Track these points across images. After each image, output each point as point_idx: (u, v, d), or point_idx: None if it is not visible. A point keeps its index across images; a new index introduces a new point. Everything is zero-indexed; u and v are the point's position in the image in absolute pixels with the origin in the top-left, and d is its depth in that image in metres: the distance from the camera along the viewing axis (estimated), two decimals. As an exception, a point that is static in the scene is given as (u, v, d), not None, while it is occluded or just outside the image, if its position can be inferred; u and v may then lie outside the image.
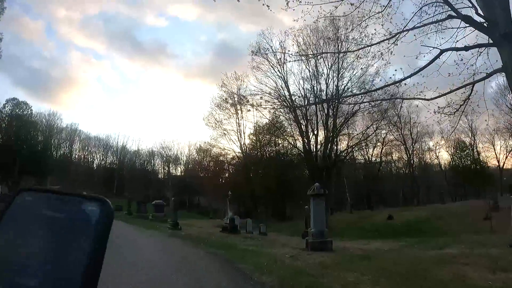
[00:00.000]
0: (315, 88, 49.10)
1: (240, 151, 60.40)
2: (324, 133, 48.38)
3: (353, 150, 51.97)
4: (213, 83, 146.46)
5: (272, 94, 50.48)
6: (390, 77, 14.74)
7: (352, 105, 46.70)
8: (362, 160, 70.69)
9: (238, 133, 59.77)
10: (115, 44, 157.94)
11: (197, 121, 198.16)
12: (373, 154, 67.36)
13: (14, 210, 1.16)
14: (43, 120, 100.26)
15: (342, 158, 51.32)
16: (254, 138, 62.22)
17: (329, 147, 47.89)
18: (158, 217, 32.07)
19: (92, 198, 1.17)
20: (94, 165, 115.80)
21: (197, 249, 14.34)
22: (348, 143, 50.80)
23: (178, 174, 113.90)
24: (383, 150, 65.13)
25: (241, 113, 58.41)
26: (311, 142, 50.05)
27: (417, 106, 39.17)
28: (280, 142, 61.46)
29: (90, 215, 1.13)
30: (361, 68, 46.61)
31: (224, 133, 59.19)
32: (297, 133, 50.90)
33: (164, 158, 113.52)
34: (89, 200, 1.17)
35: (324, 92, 48.71)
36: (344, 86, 47.97)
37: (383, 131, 52.96)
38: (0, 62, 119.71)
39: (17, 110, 79.30)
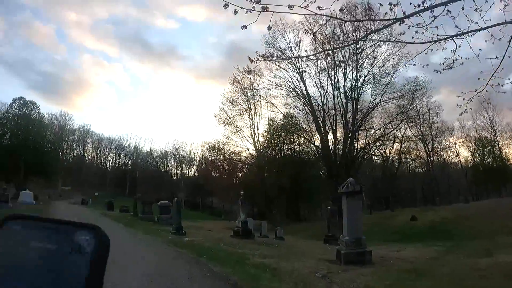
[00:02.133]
0: (332, 79, 44.99)
1: (254, 149, 56.06)
2: (343, 128, 44.17)
3: (374, 146, 47.41)
4: (225, 84, 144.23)
5: (287, 87, 46.76)
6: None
7: (373, 98, 43.29)
8: (378, 159, 66.23)
9: (252, 130, 55.62)
10: (125, 47, 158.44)
11: (210, 122, 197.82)
12: (391, 152, 62.62)
13: (0, 241, 1.04)
14: (54, 122, 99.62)
15: (362, 154, 46.87)
16: (268, 135, 57.96)
17: (348, 143, 43.66)
18: (164, 219, 28.22)
19: (85, 226, 1.07)
20: (108, 166, 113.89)
21: (196, 267, 10.43)
22: (366, 140, 46.35)
23: (191, 174, 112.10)
24: (402, 147, 60.38)
25: (254, 108, 54.31)
26: (329, 138, 45.91)
27: (435, 101, 34.63)
28: (295, 139, 57.36)
29: (84, 246, 1.02)
30: (382, 58, 42.75)
31: (237, 130, 55.09)
32: (314, 129, 46.72)
33: (177, 159, 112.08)
34: (82, 229, 1.06)
35: (342, 84, 44.77)
36: (365, 77, 43.85)
37: (402, 128, 48.25)
38: (13, 67, 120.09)
39: (24, 110, 76.10)
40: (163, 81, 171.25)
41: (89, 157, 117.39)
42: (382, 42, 41.35)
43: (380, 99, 42.69)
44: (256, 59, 8.50)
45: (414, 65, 16.03)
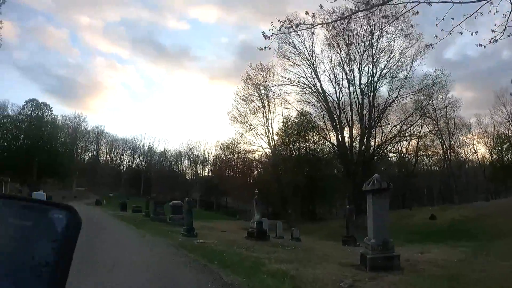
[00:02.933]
0: (347, 74, 43.40)
1: (268, 147, 54.44)
2: (360, 124, 42.56)
3: (391, 143, 45.61)
4: (238, 84, 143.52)
5: (301, 83, 45.31)
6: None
7: (390, 93, 41.68)
8: (394, 157, 64.27)
9: (266, 128, 54.03)
10: (138, 49, 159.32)
11: (224, 121, 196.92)
12: (408, 149, 60.39)
13: None
14: (68, 123, 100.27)
15: (380, 152, 45.16)
16: (283, 134, 56.43)
17: (365, 139, 42.03)
18: (176, 219, 27.08)
19: (59, 206, 1.14)
20: (122, 167, 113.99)
21: (205, 275, 9.15)
22: (382, 137, 44.54)
23: (206, 174, 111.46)
24: (418, 144, 58.20)
25: (268, 106, 52.83)
26: (345, 136, 44.31)
27: (452, 96, 32.92)
28: (310, 137, 55.80)
29: (56, 224, 1.08)
30: (398, 51, 41.08)
31: (251, 128, 53.53)
32: (329, 126, 45.16)
33: (191, 159, 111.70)
34: (56, 208, 1.12)
35: (358, 80, 43.18)
36: (381, 72, 42.16)
37: (418, 124, 46.19)
38: (27, 71, 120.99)
39: (37, 112, 75.73)
40: (177, 82, 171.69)
41: (104, 158, 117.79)
42: (401, 29, 40.04)
43: (398, 94, 41.10)
44: (271, 33, 7.19)
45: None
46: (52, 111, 79.09)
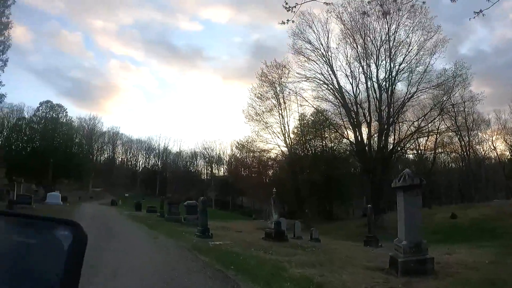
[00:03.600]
0: (364, 69, 42.03)
1: (285, 145, 53.10)
2: (378, 120, 41.15)
3: (410, 139, 43.94)
4: (252, 84, 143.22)
5: (317, 80, 44.06)
6: None
7: (408, 88, 40.19)
8: (411, 155, 62.58)
9: (282, 125, 52.52)
10: (152, 50, 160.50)
11: (239, 121, 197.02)
12: (426, 146, 58.31)
13: None
14: (83, 125, 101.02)
15: (399, 148, 43.65)
16: (299, 131, 55.16)
17: (384, 136, 40.60)
18: (191, 220, 26.05)
19: (63, 222, 1.10)
20: (138, 168, 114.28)
21: (220, 284, 8.03)
22: (399, 134, 42.96)
23: (221, 174, 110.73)
24: (436, 141, 56.17)
25: (284, 104, 51.52)
26: (363, 132, 42.91)
27: (471, 90, 31.52)
28: (326, 135, 54.45)
29: (62, 241, 1.05)
30: (417, 43, 39.64)
31: (266, 126, 52.10)
32: (347, 123, 43.75)
33: (207, 159, 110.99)
34: (60, 225, 1.09)
35: (375, 75, 41.76)
36: (399, 66, 40.71)
37: (436, 121, 44.28)
38: (43, 75, 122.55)
39: (51, 113, 75.71)
40: (190, 83, 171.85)
41: (120, 159, 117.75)
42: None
43: (417, 88, 39.46)
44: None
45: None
46: (66, 112, 79.39)
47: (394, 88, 40.21)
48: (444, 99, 39.99)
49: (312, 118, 52.36)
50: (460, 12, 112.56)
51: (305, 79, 44.82)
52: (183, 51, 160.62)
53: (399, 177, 11.26)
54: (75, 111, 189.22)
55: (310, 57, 44.32)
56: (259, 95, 51.07)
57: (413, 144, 50.36)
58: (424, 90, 39.71)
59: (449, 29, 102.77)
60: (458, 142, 62.50)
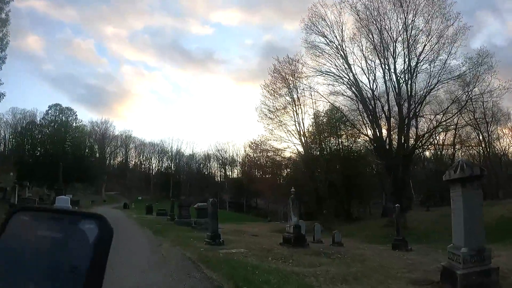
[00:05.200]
0: (382, 61, 39.44)
1: (300, 143, 50.37)
2: (398, 114, 38.54)
3: (432, 134, 41.03)
4: (265, 80, 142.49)
5: (332, 74, 41.61)
6: None
7: (429, 80, 37.49)
8: (428, 152, 59.68)
9: (297, 123, 49.83)
10: (164, 55, 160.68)
11: (252, 122, 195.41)
12: (444, 142, 55.05)
13: (9, 232, 1.07)
14: (96, 129, 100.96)
15: (421, 144, 40.86)
16: (314, 129, 52.57)
17: (405, 131, 37.96)
18: (202, 223, 23.88)
19: (89, 216, 1.11)
20: (151, 171, 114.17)
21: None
22: (417, 131, 40.11)
23: (235, 176, 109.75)
24: (455, 137, 52.94)
25: (298, 100, 48.95)
26: (382, 127, 40.28)
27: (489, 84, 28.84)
28: (342, 132, 51.83)
29: (88, 234, 1.06)
30: (437, 31, 36.95)
31: (280, 124, 49.49)
32: (365, 118, 41.17)
33: (220, 161, 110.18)
34: (86, 218, 1.10)
35: (393, 69, 39.11)
36: (418, 56, 38.02)
37: (456, 115, 41.26)
38: (57, 82, 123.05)
39: (61, 116, 74.15)
40: (203, 85, 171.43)
41: (133, 162, 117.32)
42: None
43: (438, 80, 36.72)
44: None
45: None
46: (76, 115, 78.50)
47: (414, 80, 37.54)
48: (470, 88, 37.04)
49: (327, 115, 49.68)
50: (472, 5, 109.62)
51: (320, 74, 42.30)
52: (195, 55, 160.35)
53: (454, 167, 8.85)
54: (88, 116, 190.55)
55: (324, 51, 41.85)
56: (272, 92, 48.64)
57: (435, 139, 47.33)
58: (445, 82, 36.98)
59: (452, 31, 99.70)
60: (477, 137, 59.20)
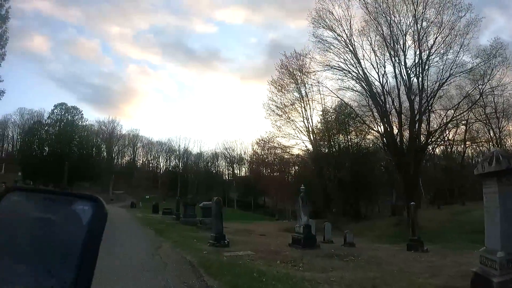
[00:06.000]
0: (392, 55, 38.20)
1: (308, 140, 49.07)
2: (410, 109, 37.30)
3: (445, 129, 39.65)
4: (272, 75, 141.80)
5: (341, 69, 40.46)
6: None
7: (440, 73, 36.25)
8: (437, 150, 58.02)
9: (305, 120, 48.64)
10: (168, 54, 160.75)
11: (259, 120, 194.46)
12: (454, 139, 53.24)
13: (2, 212, 1.05)
14: (103, 128, 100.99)
15: (433, 139, 39.52)
16: (323, 126, 51.37)
17: (416, 126, 36.72)
18: (207, 223, 22.71)
19: (83, 197, 1.08)
20: (159, 170, 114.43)
21: None
22: (427, 127, 38.70)
23: (243, 174, 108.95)
24: (466, 133, 51.26)
25: (306, 96, 47.81)
26: (392, 123, 39.00)
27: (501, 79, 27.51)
28: (351, 129, 50.67)
29: (81, 216, 1.04)
30: (449, 23, 35.69)
31: (288, 121, 48.30)
32: (374, 114, 39.96)
33: (228, 159, 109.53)
34: (80, 200, 1.07)
35: (403, 63, 37.89)
36: (429, 50, 36.74)
37: (466, 111, 39.79)
38: (63, 82, 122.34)
39: (67, 115, 73.98)
40: (209, 84, 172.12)
41: (140, 161, 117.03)
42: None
43: (450, 74, 35.40)
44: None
45: None
46: (82, 114, 77.82)
47: (426, 73, 36.27)
48: (484, 81, 35.66)
49: (336, 111, 48.44)
50: (477, 1, 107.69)
51: (328, 69, 41.12)
52: (200, 54, 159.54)
53: (487, 159, 7.63)
54: (95, 116, 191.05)
55: (332, 44, 40.67)
56: (280, 88, 47.49)
57: (448, 135, 45.69)
58: (458, 75, 35.67)
59: (464, 23, 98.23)
60: (487, 133, 57.34)
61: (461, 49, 35.46)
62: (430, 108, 36.82)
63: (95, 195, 1.08)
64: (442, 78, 35.92)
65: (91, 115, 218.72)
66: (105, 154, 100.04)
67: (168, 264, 10.06)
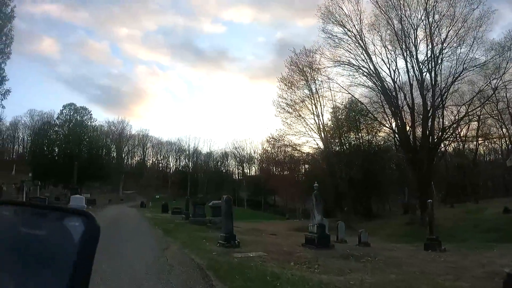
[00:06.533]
0: (403, 49, 37.32)
1: (319, 137, 48.17)
2: (423, 105, 36.38)
3: (458, 125, 38.58)
4: (281, 72, 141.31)
5: (351, 65, 39.68)
6: None
7: (453, 68, 35.31)
8: (450, 147, 56.77)
9: (316, 117, 47.70)
10: (177, 54, 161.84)
11: (269, 119, 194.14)
12: (466, 135, 51.89)
13: None
14: (112, 128, 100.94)
15: (446, 136, 38.47)
16: (334, 123, 50.53)
17: (430, 122, 35.80)
18: (217, 222, 21.98)
19: (75, 213, 1.02)
20: (169, 169, 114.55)
21: None
22: (438, 123, 37.66)
23: (253, 173, 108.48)
24: (478, 130, 49.93)
25: (317, 93, 46.90)
26: (404, 119, 38.07)
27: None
28: (362, 127, 49.88)
29: (73, 233, 0.97)
30: (461, 15, 34.75)
31: (299, 118, 47.42)
32: (386, 110, 39.12)
33: (238, 158, 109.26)
34: (71, 215, 1.01)
35: (415, 57, 36.98)
36: (442, 43, 35.77)
37: (478, 108, 38.67)
38: (72, 84, 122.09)
39: (76, 116, 73.96)
40: (218, 83, 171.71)
41: (150, 161, 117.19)
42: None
43: (463, 68, 34.40)
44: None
45: None
46: (91, 115, 77.79)
47: (439, 68, 35.34)
48: (499, 74, 34.59)
49: (347, 108, 47.64)
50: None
51: (338, 65, 40.36)
52: (208, 53, 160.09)
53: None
54: (104, 117, 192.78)
55: (342, 39, 39.90)
56: (289, 85, 46.69)
57: (461, 132, 44.52)
58: (471, 69, 34.62)
59: (477, 15, 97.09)
60: (500, 130, 55.93)
61: (475, 42, 34.49)
62: (444, 103, 35.84)
63: (87, 211, 1.00)
64: (455, 72, 34.97)
65: (101, 116, 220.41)
66: (115, 154, 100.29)
67: (174, 267, 9.38)
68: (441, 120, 37.34)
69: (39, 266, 0.92)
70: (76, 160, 55.48)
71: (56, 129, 73.53)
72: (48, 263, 0.93)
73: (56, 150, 71.11)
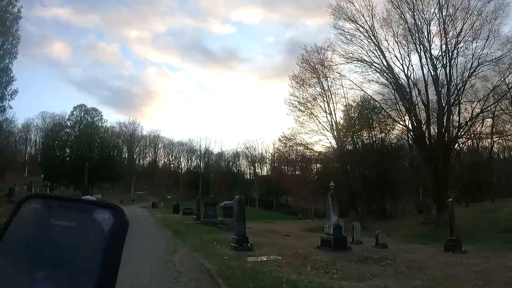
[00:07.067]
0: (416, 44, 36.45)
1: (332, 136, 47.25)
2: (437, 102, 35.46)
3: (474, 122, 37.51)
4: (292, 70, 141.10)
5: (364, 61, 38.90)
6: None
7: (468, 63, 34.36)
8: (464, 144, 55.50)
9: (329, 115, 46.81)
10: (187, 56, 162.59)
11: (281, 118, 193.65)
12: (482, 132, 50.46)
13: (20, 219, 1.01)
14: (124, 129, 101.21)
15: (463, 133, 37.43)
16: (346, 122, 49.66)
17: (445, 119, 34.85)
18: (228, 223, 21.32)
19: (104, 206, 1.04)
20: (181, 170, 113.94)
21: None
22: (452, 120, 36.64)
23: (264, 173, 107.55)
24: (493, 127, 48.52)
25: (329, 91, 46.05)
26: (419, 116, 37.18)
27: None
28: (375, 125, 48.96)
29: (103, 224, 1.00)
30: (476, 9, 33.82)
31: (311, 116, 46.56)
32: (401, 105, 38.26)
33: (249, 158, 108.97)
34: (101, 208, 1.03)
35: (428, 53, 36.06)
36: (456, 38, 34.83)
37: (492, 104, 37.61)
38: (83, 86, 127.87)
39: (86, 117, 74.18)
40: (228, 84, 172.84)
41: (162, 162, 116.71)
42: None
43: (478, 62, 33.41)
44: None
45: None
46: (102, 116, 78.01)
47: (454, 62, 34.40)
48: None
49: (360, 106, 46.84)
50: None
51: (350, 61, 39.57)
52: (218, 54, 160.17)
53: None
54: (115, 118, 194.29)
55: (354, 35, 39.12)
56: (301, 82, 45.91)
57: (476, 129, 43.36)
58: (487, 63, 33.59)
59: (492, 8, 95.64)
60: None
61: (490, 35, 33.49)
62: (460, 99, 34.86)
63: (116, 204, 1.02)
64: (471, 67, 33.99)
65: (112, 118, 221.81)
66: (126, 155, 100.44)
67: (182, 273, 8.74)
68: (456, 117, 36.48)
69: (70, 256, 0.92)
70: (87, 161, 55.44)
71: (67, 130, 73.70)
72: (79, 253, 0.92)
73: (68, 151, 71.37)
